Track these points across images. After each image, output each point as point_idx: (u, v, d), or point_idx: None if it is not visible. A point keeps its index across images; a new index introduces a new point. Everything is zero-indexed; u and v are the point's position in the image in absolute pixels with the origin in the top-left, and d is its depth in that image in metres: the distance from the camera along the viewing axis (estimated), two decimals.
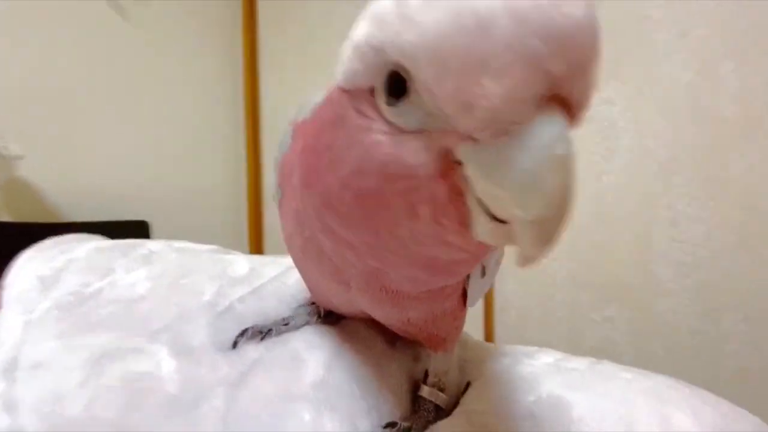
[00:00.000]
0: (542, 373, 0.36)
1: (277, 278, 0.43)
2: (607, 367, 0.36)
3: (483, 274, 0.32)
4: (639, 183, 1.05)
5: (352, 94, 0.21)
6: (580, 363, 0.37)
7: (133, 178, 1.13)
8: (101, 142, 1.06)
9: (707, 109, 0.95)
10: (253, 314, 0.38)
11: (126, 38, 1.09)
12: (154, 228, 1.09)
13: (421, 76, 0.18)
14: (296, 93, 1.47)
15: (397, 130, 0.20)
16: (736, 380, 0.94)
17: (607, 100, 1.07)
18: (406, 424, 0.32)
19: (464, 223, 0.20)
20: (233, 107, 1.39)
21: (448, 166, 0.19)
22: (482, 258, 0.29)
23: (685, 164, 0.99)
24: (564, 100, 0.17)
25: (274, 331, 0.36)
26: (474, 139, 0.17)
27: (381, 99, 0.20)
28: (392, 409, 0.33)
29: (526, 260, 0.19)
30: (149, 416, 0.29)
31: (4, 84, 0.90)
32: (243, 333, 0.35)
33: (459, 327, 0.35)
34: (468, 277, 0.32)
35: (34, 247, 0.45)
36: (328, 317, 0.40)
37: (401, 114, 0.19)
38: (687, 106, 0.97)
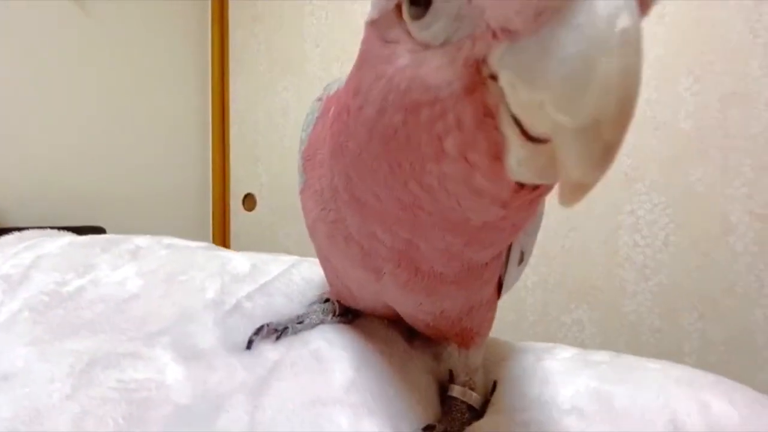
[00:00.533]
0: (572, 367, 0.35)
1: (284, 275, 0.39)
2: (630, 359, 0.36)
3: (521, 260, 0.30)
4: (605, 190, 1.10)
5: (379, 23, 0.19)
6: (602, 356, 0.37)
7: (87, 181, 1.02)
8: (53, 143, 0.95)
9: (666, 122, 1.02)
10: (263, 312, 0.34)
11: (85, 34, 1.00)
12: (109, 234, 0.99)
13: None
14: (265, 95, 1.42)
15: (422, 47, 0.17)
16: None
17: None
18: (442, 427, 0.30)
19: (496, 155, 0.16)
20: (200, 107, 1.31)
21: (477, 81, 0.16)
22: (519, 225, 0.25)
23: (647, 173, 1.05)
24: None
25: (290, 330, 0.33)
26: (511, 36, 0.14)
27: (407, 13, 0.17)
28: (425, 411, 0.31)
29: (573, 191, 0.15)
30: None
31: None
32: (258, 332, 0.31)
33: (491, 320, 0.34)
34: (507, 262, 0.30)
35: None
36: (344, 315, 0.37)
37: (427, 25, 0.17)
38: (648, 120, 1.04)
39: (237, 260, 0.40)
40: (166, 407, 0.25)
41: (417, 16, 0.17)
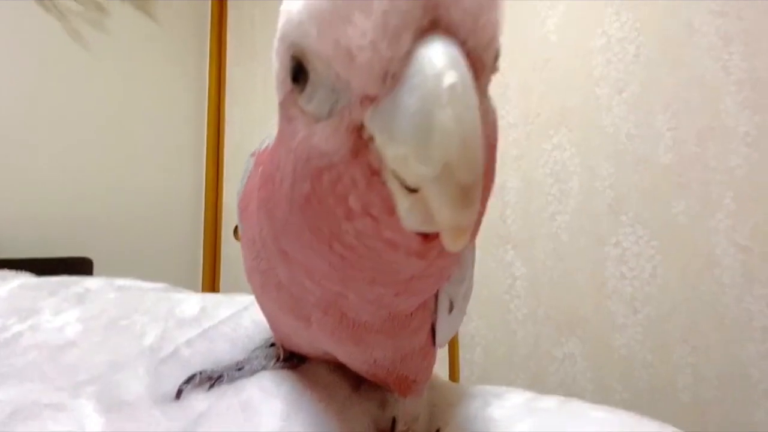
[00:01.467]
0: (514, 414, 0.33)
1: (231, 318, 0.39)
2: (577, 405, 0.35)
3: (450, 308, 0.30)
4: (590, 222, 1.10)
5: (284, 104, 0.21)
6: (550, 402, 0.35)
7: (77, 212, 1.04)
8: (45, 174, 0.98)
9: (646, 156, 1.03)
10: (201, 359, 0.34)
11: (84, 69, 1.05)
12: (96, 266, 0.99)
13: (309, 44, 0.17)
14: (260, 128, 1.46)
15: (314, 120, 0.18)
16: (689, 412, 0.95)
17: (558, 145, 1.14)
18: None
19: (391, 209, 0.17)
20: (195, 140, 1.34)
21: (361, 144, 0.17)
22: (444, 274, 0.25)
23: (630, 205, 1.05)
24: (449, 26, 0.14)
25: (225, 378, 0.32)
26: (373, 100, 0.15)
27: (295, 92, 0.19)
28: None
29: (451, 235, 0.15)
30: None
31: None
32: (189, 380, 0.31)
33: (429, 368, 0.33)
34: (436, 311, 0.30)
35: None
36: (289, 360, 0.36)
37: (311, 99, 0.18)
38: (629, 153, 1.05)
39: (187, 303, 0.40)
40: None
41: (300, 91, 0.18)
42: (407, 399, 0.33)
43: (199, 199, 1.36)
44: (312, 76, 0.18)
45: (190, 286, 1.35)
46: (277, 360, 0.36)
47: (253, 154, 0.31)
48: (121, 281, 0.43)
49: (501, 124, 0.95)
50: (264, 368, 0.35)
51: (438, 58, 0.14)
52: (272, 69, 0.22)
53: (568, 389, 1.10)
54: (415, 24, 0.14)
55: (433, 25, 0.14)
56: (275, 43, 0.20)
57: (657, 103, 1.01)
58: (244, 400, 0.30)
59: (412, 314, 0.27)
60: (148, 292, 0.42)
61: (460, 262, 0.29)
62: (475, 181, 0.14)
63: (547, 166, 1.15)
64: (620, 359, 1.05)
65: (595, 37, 1.09)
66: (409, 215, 0.16)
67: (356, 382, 0.37)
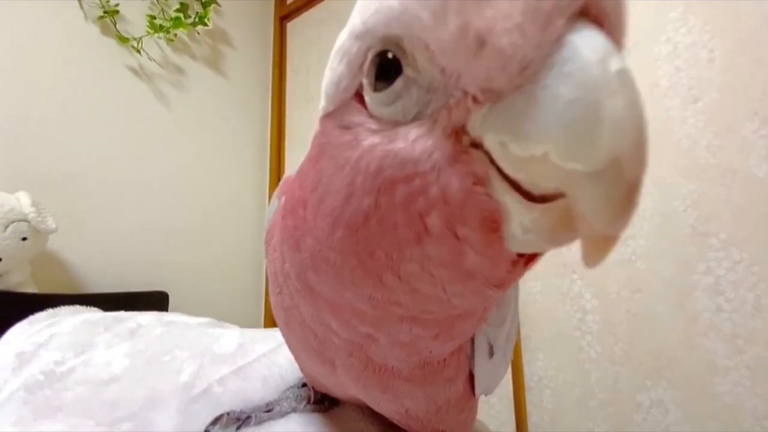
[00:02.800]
0: None
1: (266, 356, 0.38)
2: None
3: (491, 353, 0.26)
4: (671, 247, 0.96)
5: (336, 113, 0.18)
6: None
7: (154, 251, 1.14)
8: (129, 217, 1.10)
9: (734, 168, 0.89)
10: (232, 398, 0.33)
11: (161, 121, 1.18)
12: (172, 298, 1.07)
13: (415, 32, 0.14)
14: None
15: (391, 125, 0.16)
16: None
17: None
18: None
19: (491, 227, 0.14)
20: (258, 181, 1.43)
21: (459, 149, 0.14)
22: (484, 314, 0.22)
23: (720, 225, 0.91)
24: (598, 15, 0.13)
25: (253, 419, 0.31)
26: (493, 96, 0.13)
27: (369, 92, 0.16)
28: None
29: (598, 247, 0.13)
30: None
31: (47, 169, 0.96)
32: (216, 421, 0.30)
33: (468, 421, 0.29)
34: (473, 356, 0.26)
35: (28, 319, 0.43)
36: (320, 403, 0.34)
37: (391, 103, 0.16)
38: (711, 167, 0.92)
39: (226, 338, 0.40)
40: None
41: (382, 89, 0.16)
42: None
43: (260, 240, 1.43)
44: (407, 72, 0.15)
45: (255, 319, 1.39)
46: (308, 402, 0.34)
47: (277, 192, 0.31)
48: (169, 317, 0.44)
49: None
50: (294, 410, 0.33)
51: (599, 43, 0.12)
52: (324, 81, 0.19)
53: None
54: (569, 9, 0.12)
55: (583, 13, 0.13)
56: (344, 44, 0.17)
57: (740, 109, 0.88)
58: None
59: (445, 360, 0.24)
60: (192, 327, 0.43)
61: (499, 303, 0.25)
62: (643, 178, 0.13)
63: None
64: (724, 408, 0.87)
65: (659, 45, 0.99)
66: (527, 232, 0.14)
67: (392, 428, 0.33)
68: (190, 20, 1.19)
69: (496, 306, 0.25)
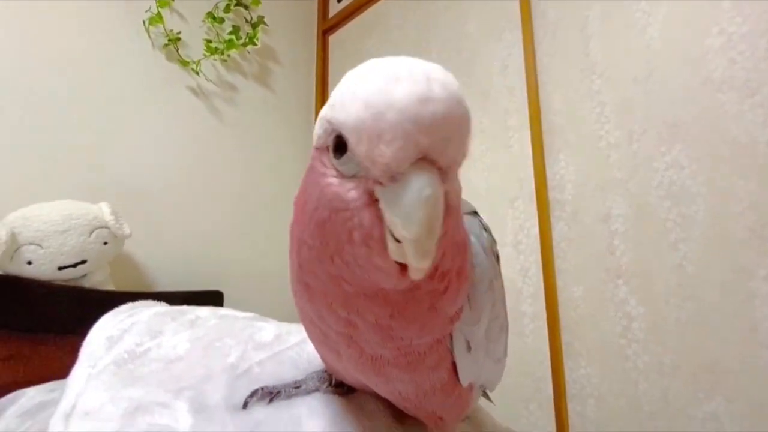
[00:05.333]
0: None
1: (298, 344, 0.46)
2: None
3: (468, 348, 0.32)
4: (726, 252, 0.92)
5: (319, 150, 0.28)
6: None
7: (211, 254, 1.30)
8: (190, 224, 1.26)
9: None
10: (268, 377, 0.41)
11: (217, 135, 1.34)
12: (226, 298, 1.21)
13: (351, 141, 0.24)
14: None
15: (341, 175, 0.26)
16: None
17: (674, 163, 1.01)
18: None
19: (383, 244, 0.25)
20: None
21: (371, 201, 0.25)
22: (436, 305, 0.29)
23: None
24: (433, 160, 0.23)
25: (283, 394, 0.39)
26: (381, 183, 0.24)
27: (331, 155, 0.27)
28: None
29: (414, 271, 0.24)
30: None
31: (124, 181, 1.14)
32: (253, 394, 0.38)
33: (455, 406, 0.34)
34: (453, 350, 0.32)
35: (114, 311, 0.55)
36: (340, 387, 0.41)
37: (343, 164, 0.26)
38: None
39: (266, 330, 0.49)
40: None
41: (337, 158, 0.26)
42: None
43: None
44: (348, 154, 0.25)
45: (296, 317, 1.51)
46: (329, 384, 0.41)
47: None
48: (223, 311, 0.54)
49: (600, 145, 0.93)
50: (317, 390, 0.40)
51: (422, 179, 0.23)
52: (316, 124, 0.29)
53: None
54: (413, 158, 0.23)
55: (423, 159, 0.23)
56: (323, 113, 0.28)
57: None
58: (294, 415, 0.36)
59: (425, 352, 0.30)
60: (239, 320, 0.52)
61: (472, 304, 0.30)
62: (432, 247, 0.23)
63: (661, 188, 1.02)
64: None
65: (711, 37, 0.96)
66: (393, 251, 0.25)
67: (400, 415, 0.40)
68: (241, 41, 1.34)
69: (469, 308, 0.30)
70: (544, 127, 1.17)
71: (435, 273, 0.27)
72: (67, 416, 0.37)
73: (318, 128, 0.28)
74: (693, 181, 0.98)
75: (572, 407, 1.07)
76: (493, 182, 1.26)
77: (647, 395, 0.99)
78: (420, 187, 0.22)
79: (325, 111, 0.27)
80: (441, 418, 0.33)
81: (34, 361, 0.88)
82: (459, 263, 0.29)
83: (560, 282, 1.10)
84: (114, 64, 1.15)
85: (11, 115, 0.98)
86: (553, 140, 1.16)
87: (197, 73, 1.27)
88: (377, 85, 0.23)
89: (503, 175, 1.23)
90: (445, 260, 0.27)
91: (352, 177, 0.25)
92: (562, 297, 1.10)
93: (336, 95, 0.26)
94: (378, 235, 0.25)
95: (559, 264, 1.11)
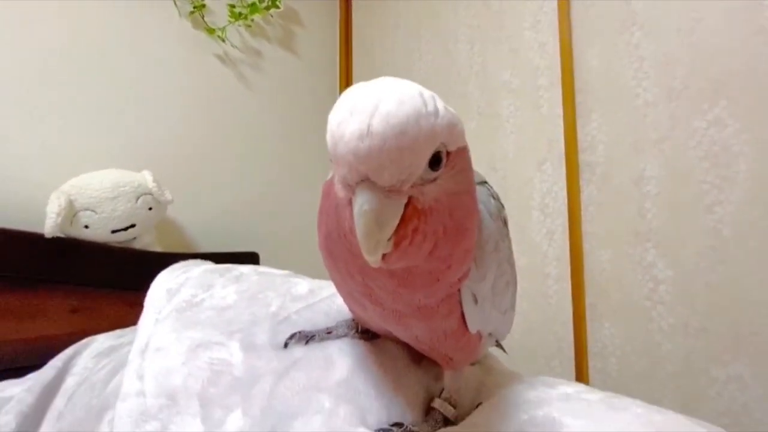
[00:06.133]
0: (549, 399, 0.38)
1: (329, 298, 0.54)
2: (623, 401, 0.37)
3: (476, 301, 0.37)
4: (766, 215, 0.92)
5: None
6: (594, 395, 0.38)
7: (247, 217, 1.40)
8: (226, 189, 1.36)
9: None
10: (304, 323, 0.49)
11: (244, 102, 1.41)
12: (262, 258, 1.32)
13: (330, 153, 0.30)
14: None
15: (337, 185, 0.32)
16: None
17: (716, 121, 0.99)
18: (413, 428, 0.39)
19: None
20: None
21: (350, 202, 0.30)
22: (435, 271, 0.34)
23: None
24: (373, 179, 0.28)
25: (317, 337, 0.47)
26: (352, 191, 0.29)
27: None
28: (403, 413, 0.40)
29: (368, 262, 0.29)
30: (221, 390, 0.41)
31: (163, 150, 1.24)
32: (292, 336, 0.46)
33: (465, 349, 0.40)
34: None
35: (169, 268, 0.65)
36: (366, 333, 0.49)
37: (338, 184, 0.32)
38: None
39: (301, 285, 0.57)
40: (229, 376, 0.42)
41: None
42: (451, 373, 0.42)
43: None
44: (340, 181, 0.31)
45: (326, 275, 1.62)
46: (356, 330, 0.49)
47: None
48: (261, 269, 0.63)
49: (636, 104, 0.97)
50: (346, 335, 0.48)
51: (364, 195, 0.28)
52: None
53: (736, 418, 0.95)
54: (358, 179, 0.28)
55: (365, 178, 0.28)
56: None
57: None
58: (327, 354, 0.44)
59: (438, 306, 0.36)
60: (277, 276, 0.61)
61: (478, 264, 0.36)
62: (372, 249, 0.28)
63: (700, 148, 1.01)
64: None
65: None
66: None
67: (418, 357, 0.47)
68: (263, 4, 1.36)
69: (476, 267, 0.36)
70: (577, 85, 1.16)
71: (431, 256, 0.32)
72: (143, 351, 0.47)
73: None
74: (736, 140, 0.97)
75: (593, 365, 1.13)
76: (521, 144, 1.27)
77: (670, 356, 1.03)
78: (360, 202, 0.28)
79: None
80: (452, 359, 0.40)
81: (97, 313, 1.02)
82: (465, 245, 0.33)
83: (587, 245, 1.13)
84: (145, 36, 1.22)
85: (57, 93, 1.08)
86: (585, 99, 1.15)
87: (223, 40, 1.32)
88: (338, 118, 0.28)
89: (531, 138, 1.23)
90: (443, 245, 0.32)
91: (343, 187, 0.31)
92: (589, 260, 1.13)
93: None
94: (352, 228, 0.30)
95: (587, 227, 1.13)
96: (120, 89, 1.17)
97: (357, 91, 0.29)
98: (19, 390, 0.55)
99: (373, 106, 0.27)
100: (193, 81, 1.30)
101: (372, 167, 0.27)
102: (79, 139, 1.12)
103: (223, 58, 1.36)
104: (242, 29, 1.39)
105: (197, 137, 1.30)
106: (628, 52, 1.10)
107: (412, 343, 0.42)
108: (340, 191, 0.31)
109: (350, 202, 0.29)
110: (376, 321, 0.41)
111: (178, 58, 1.27)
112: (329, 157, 0.30)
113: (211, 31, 1.30)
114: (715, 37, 0.99)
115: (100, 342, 0.70)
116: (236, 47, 1.37)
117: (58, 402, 0.54)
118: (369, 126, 0.27)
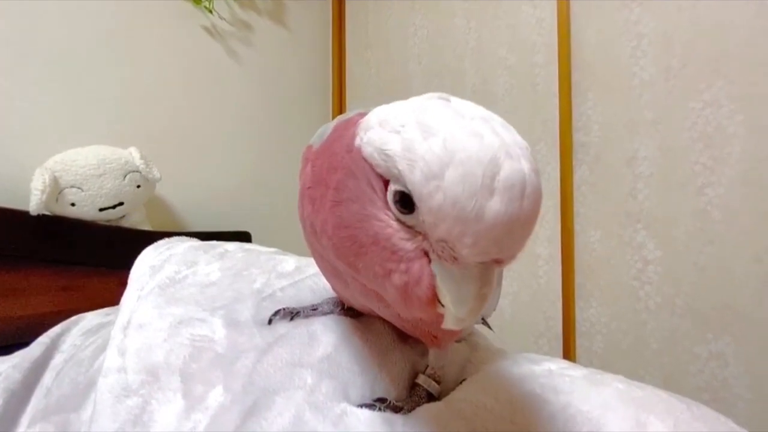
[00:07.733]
0: (532, 374, 0.38)
1: (315, 275, 0.53)
2: (605, 377, 0.37)
3: None
4: (757, 197, 0.92)
5: (371, 168, 0.26)
6: (577, 371, 0.38)
7: (238, 196, 1.38)
8: (217, 167, 1.33)
9: None
10: (289, 300, 0.48)
11: (233, 77, 1.37)
12: (254, 237, 1.31)
13: (423, 211, 0.24)
14: None
15: (393, 217, 0.26)
16: None
17: (712, 102, 0.98)
18: (397, 403, 0.39)
19: (429, 295, 0.25)
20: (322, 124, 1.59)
21: (423, 254, 0.25)
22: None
23: None
24: (500, 261, 0.24)
25: (301, 314, 0.46)
26: (438, 255, 0.24)
27: (391, 197, 0.25)
28: (388, 389, 0.40)
29: (449, 325, 0.26)
30: (203, 366, 0.40)
31: (150, 126, 1.21)
32: (276, 313, 0.46)
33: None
34: None
35: (154, 245, 0.63)
36: (351, 311, 0.48)
37: (404, 215, 0.25)
38: None
39: (287, 262, 0.56)
40: (210, 353, 0.42)
41: (400, 209, 0.25)
42: (435, 350, 0.41)
43: None
44: (415, 212, 0.24)
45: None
46: (341, 308, 0.48)
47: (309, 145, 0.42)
48: (247, 246, 0.61)
49: (633, 83, 0.96)
50: (331, 312, 0.47)
51: (485, 278, 0.24)
52: (367, 151, 0.26)
53: (715, 393, 0.97)
54: (481, 259, 0.24)
55: (491, 259, 0.24)
56: (391, 150, 0.24)
57: None
58: (311, 330, 0.43)
59: None
60: (263, 253, 0.60)
61: None
62: (469, 323, 0.26)
63: (694, 129, 1.00)
64: None
65: None
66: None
67: (402, 335, 0.47)
68: None
69: None
70: (574, 63, 1.13)
71: None
72: (125, 328, 0.46)
73: (379, 158, 0.25)
74: (730, 121, 0.96)
75: (580, 343, 1.14)
76: (515, 124, 1.24)
77: (655, 334, 1.04)
78: (481, 284, 0.23)
79: (395, 152, 0.24)
80: (436, 337, 0.40)
81: (88, 291, 1.01)
82: None
83: (578, 226, 1.13)
84: (128, 7, 1.17)
85: (39, 67, 1.04)
86: (582, 78, 1.13)
87: (210, 12, 1.27)
88: (470, 189, 0.21)
89: (525, 117, 1.21)
90: None
91: (410, 228, 0.25)
92: (579, 240, 1.13)
93: (415, 145, 0.23)
94: (426, 285, 0.25)
95: (578, 208, 1.13)
96: (104, 63, 1.13)
97: (480, 147, 0.22)
98: (6, 367, 0.54)
99: (521, 183, 0.22)
100: (179, 54, 1.25)
101: (512, 252, 0.24)
102: (63, 114, 1.08)
103: (211, 31, 1.31)
104: (231, 1, 1.34)
105: (185, 113, 1.27)
106: (627, 28, 1.07)
107: (394, 321, 0.41)
108: (406, 243, 0.25)
109: (422, 256, 0.25)
110: (357, 299, 0.40)
111: (163, 29, 1.22)
112: (429, 218, 0.23)
113: (197, 1, 1.25)
114: (716, 15, 0.97)
115: (89, 320, 0.70)
116: (224, 19, 1.32)
117: (47, 379, 0.53)
118: (521, 209, 0.22)
